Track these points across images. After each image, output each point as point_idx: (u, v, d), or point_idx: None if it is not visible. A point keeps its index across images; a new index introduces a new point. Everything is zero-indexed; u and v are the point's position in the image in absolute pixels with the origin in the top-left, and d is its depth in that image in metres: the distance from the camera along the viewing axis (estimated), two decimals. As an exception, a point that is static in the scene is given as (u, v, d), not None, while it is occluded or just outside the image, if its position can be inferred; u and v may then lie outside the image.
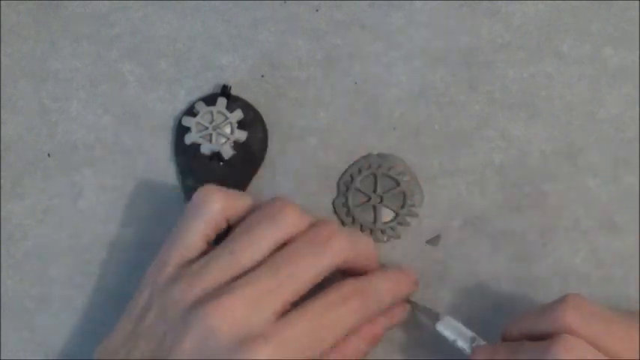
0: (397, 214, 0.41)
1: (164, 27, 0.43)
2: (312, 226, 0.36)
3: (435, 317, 0.38)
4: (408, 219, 0.41)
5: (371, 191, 0.42)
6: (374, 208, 0.42)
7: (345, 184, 0.42)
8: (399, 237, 0.41)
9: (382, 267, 0.39)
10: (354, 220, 0.41)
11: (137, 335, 0.35)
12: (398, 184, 0.42)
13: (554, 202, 0.42)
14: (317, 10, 0.43)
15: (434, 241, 0.41)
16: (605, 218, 0.42)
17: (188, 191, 0.42)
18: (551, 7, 0.43)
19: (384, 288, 0.37)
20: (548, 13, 0.43)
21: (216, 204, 0.36)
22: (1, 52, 0.43)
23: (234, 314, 0.33)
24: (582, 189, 0.42)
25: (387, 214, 0.41)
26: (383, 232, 0.41)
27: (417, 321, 0.40)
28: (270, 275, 0.34)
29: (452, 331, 0.37)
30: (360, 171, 0.42)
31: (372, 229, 0.41)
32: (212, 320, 0.33)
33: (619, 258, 0.41)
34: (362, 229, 0.41)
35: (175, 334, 0.34)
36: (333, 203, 0.42)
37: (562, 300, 0.34)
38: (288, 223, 0.35)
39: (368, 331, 0.37)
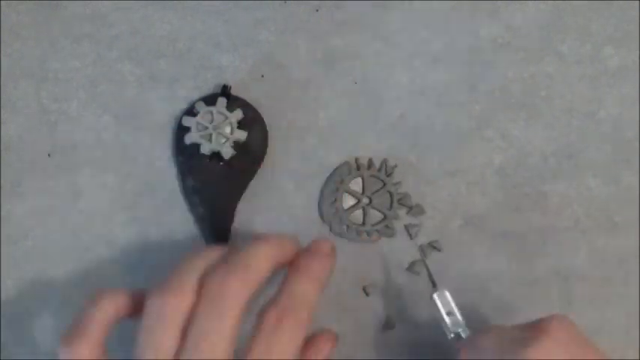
0: (385, 216, 0.41)
1: (164, 27, 0.43)
2: (203, 287, 0.34)
3: (435, 287, 0.38)
4: (395, 222, 0.41)
5: (360, 193, 0.42)
6: (363, 210, 0.42)
7: (336, 186, 0.42)
8: (392, 236, 0.41)
9: (301, 248, 0.38)
10: (341, 222, 0.41)
11: None
12: (384, 184, 0.42)
13: (554, 202, 0.42)
14: (317, 10, 0.43)
15: (388, 325, 0.41)
16: (605, 218, 0.42)
17: (188, 191, 0.42)
18: (551, 7, 0.43)
19: (305, 288, 0.36)
20: (548, 13, 0.43)
21: (84, 349, 0.34)
22: (1, 52, 0.43)
23: None
24: (582, 189, 0.42)
25: (376, 216, 0.42)
26: (369, 234, 0.41)
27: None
28: (195, 357, 0.33)
29: (444, 306, 0.37)
30: (349, 172, 0.42)
31: (358, 231, 0.41)
32: None
33: (619, 258, 0.41)
34: (349, 231, 0.41)
35: None
36: (319, 204, 0.42)
37: (548, 319, 0.34)
38: (173, 311, 0.34)
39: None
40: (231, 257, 0.35)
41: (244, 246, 0.36)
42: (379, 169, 0.42)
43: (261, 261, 0.35)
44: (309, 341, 0.38)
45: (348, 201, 0.42)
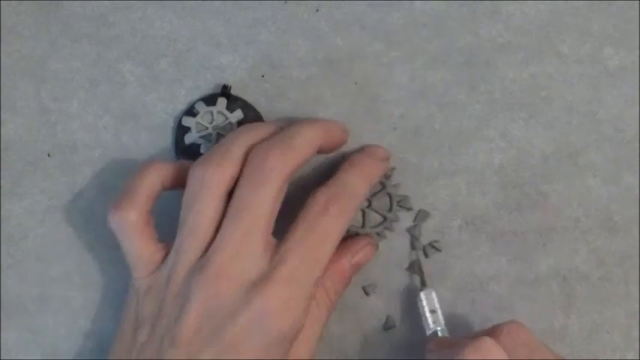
0: (385, 218, 0.41)
1: (164, 27, 0.43)
2: (247, 160, 0.36)
3: (423, 284, 0.40)
4: (395, 225, 0.41)
5: None
6: (363, 213, 0.42)
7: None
8: (384, 237, 0.41)
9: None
10: None
11: (139, 322, 0.36)
12: (384, 186, 0.42)
13: (554, 202, 0.42)
14: (317, 10, 0.43)
15: (388, 325, 0.41)
16: (605, 218, 0.42)
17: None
18: (551, 7, 0.43)
19: (356, 181, 0.37)
20: (548, 13, 0.43)
21: (130, 214, 0.36)
22: (1, 52, 0.43)
23: (227, 274, 0.34)
24: (582, 189, 0.42)
25: (375, 219, 0.42)
26: (369, 236, 0.41)
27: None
28: (237, 227, 0.34)
29: (428, 305, 0.39)
30: None
31: (357, 232, 0.41)
32: (209, 287, 0.34)
33: (619, 258, 0.41)
34: (348, 232, 0.41)
35: (178, 308, 0.34)
36: None
37: (501, 324, 0.35)
38: (215, 181, 0.35)
39: (334, 270, 0.38)
40: (276, 135, 0.36)
41: (291, 126, 0.37)
42: None
43: (305, 141, 0.36)
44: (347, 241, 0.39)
45: None
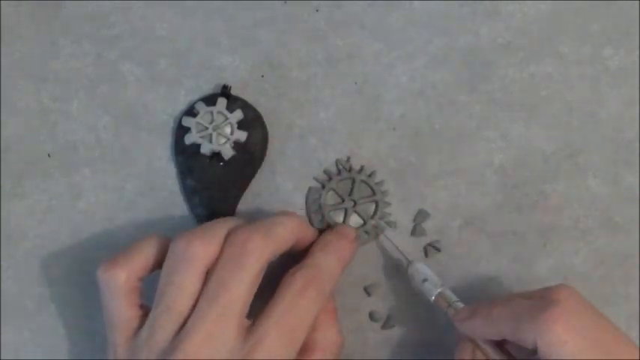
0: (365, 223, 0.41)
1: (164, 27, 0.43)
2: (226, 242, 0.36)
3: (407, 262, 0.40)
4: (375, 230, 0.41)
5: (347, 195, 0.42)
6: (345, 211, 0.42)
7: (322, 183, 0.42)
8: (367, 243, 0.41)
9: (320, 234, 0.40)
10: (322, 218, 0.41)
11: None
12: (374, 193, 0.42)
13: (554, 202, 0.42)
14: (317, 10, 0.43)
15: (388, 325, 0.41)
16: (605, 218, 0.42)
17: (188, 191, 0.42)
18: (551, 7, 0.43)
19: (331, 263, 0.37)
20: (548, 13, 0.43)
21: (120, 273, 0.36)
22: (1, 52, 0.43)
23: (200, 357, 0.33)
24: (582, 189, 0.42)
25: (355, 221, 0.42)
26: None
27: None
28: (212, 307, 0.34)
29: (421, 275, 0.39)
30: (339, 172, 0.42)
31: None
32: None
33: (619, 258, 0.41)
34: (327, 228, 0.41)
35: None
36: (307, 198, 0.42)
37: (555, 286, 0.35)
38: (198, 255, 0.35)
39: (323, 315, 0.38)
40: (258, 222, 0.37)
41: (271, 216, 0.37)
42: (369, 176, 0.42)
43: (285, 231, 0.37)
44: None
45: (333, 199, 0.42)
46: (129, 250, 0.37)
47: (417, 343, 0.41)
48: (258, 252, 0.35)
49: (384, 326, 0.41)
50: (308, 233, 0.39)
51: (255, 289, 0.35)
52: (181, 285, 0.35)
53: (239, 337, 0.34)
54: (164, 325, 0.35)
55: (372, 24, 0.43)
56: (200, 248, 0.35)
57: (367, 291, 0.42)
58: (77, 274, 0.42)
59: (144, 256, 0.37)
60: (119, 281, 0.36)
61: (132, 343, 0.35)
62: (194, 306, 0.35)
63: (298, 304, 0.35)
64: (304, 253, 0.38)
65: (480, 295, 0.41)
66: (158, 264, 0.37)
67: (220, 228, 0.36)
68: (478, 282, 0.41)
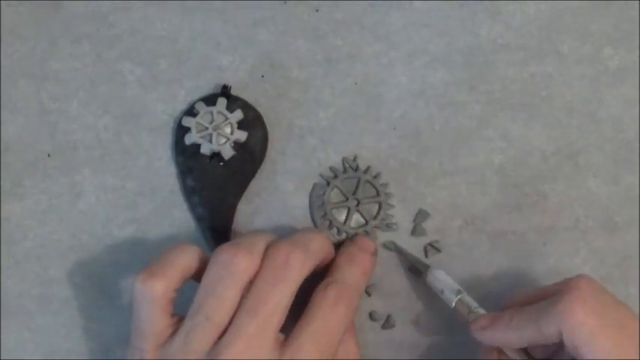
0: (366, 223, 0.41)
1: (164, 27, 0.43)
2: (266, 256, 0.36)
3: (425, 268, 0.40)
4: (376, 231, 0.41)
5: (351, 193, 0.42)
6: (348, 210, 0.42)
7: (327, 179, 0.42)
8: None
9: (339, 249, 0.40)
10: (325, 215, 0.41)
11: None
12: (378, 194, 0.42)
13: (554, 202, 0.42)
14: (317, 10, 0.43)
15: (388, 325, 0.41)
16: (605, 218, 0.42)
17: (188, 191, 0.42)
18: (551, 7, 0.43)
19: (357, 278, 0.38)
20: (548, 13, 0.43)
21: (158, 284, 0.36)
22: (1, 52, 0.43)
23: None
24: (582, 189, 0.42)
25: (357, 220, 0.42)
26: (349, 235, 0.41)
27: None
28: (252, 320, 0.34)
29: (440, 282, 0.39)
30: (345, 170, 0.42)
31: (339, 229, 0.41)
32: None
33: (619, 258, 0.41)
34: (330, 226, 0.41)
35: None
36: (311, 193, 0.42)
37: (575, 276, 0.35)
38: (242, 268, 0.35)
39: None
40: (293, 237, 0.37)
41: (302, 232, 0.38)
42: (375, 177, 0.42)
43: (320, 248, 0.38)
44: None
45: (337, 197, 0.42)
46: (163, 260, 0.37)
47: (417, 343, 0.41)
48: (299, 266, 0.36)
49: (384, 326, 0.41)
50: (332, 249, 0.39)
51: (290, 304, 0.36)
52: (222, 296, 0.35)
53: (274, 351, 0.34)
54: (201, 335, 0.35)
55: (372, 24, 0.43)
56: (244, 261, 0.35)
57: (367, 291, 0.42)
58: (77, 274, 0.42)
59: (180, 266, 0.37)
60: (157, 293, 0.36)
61: (163, 350, 0.35)
62: (232, 318, 0.35)
63: (331, 319, 0.36)
64: (322, 268, 0.39)
65: (480, 295, 0.41)
66: (193, 274, 0.37)
67: (261, 241, 0.37)
68: (478, 282, 0.41)
